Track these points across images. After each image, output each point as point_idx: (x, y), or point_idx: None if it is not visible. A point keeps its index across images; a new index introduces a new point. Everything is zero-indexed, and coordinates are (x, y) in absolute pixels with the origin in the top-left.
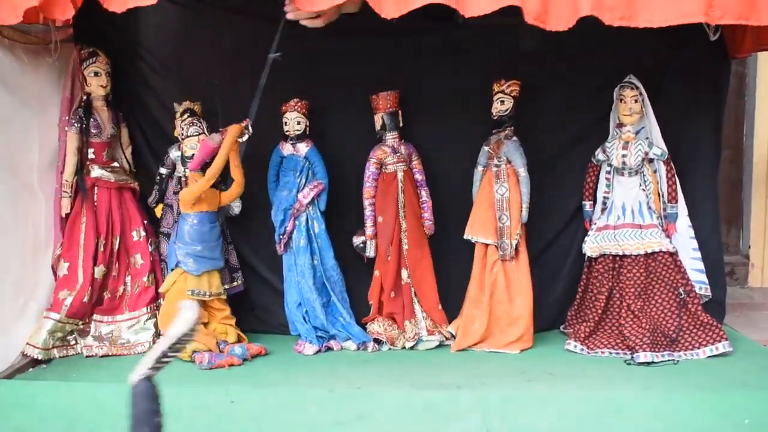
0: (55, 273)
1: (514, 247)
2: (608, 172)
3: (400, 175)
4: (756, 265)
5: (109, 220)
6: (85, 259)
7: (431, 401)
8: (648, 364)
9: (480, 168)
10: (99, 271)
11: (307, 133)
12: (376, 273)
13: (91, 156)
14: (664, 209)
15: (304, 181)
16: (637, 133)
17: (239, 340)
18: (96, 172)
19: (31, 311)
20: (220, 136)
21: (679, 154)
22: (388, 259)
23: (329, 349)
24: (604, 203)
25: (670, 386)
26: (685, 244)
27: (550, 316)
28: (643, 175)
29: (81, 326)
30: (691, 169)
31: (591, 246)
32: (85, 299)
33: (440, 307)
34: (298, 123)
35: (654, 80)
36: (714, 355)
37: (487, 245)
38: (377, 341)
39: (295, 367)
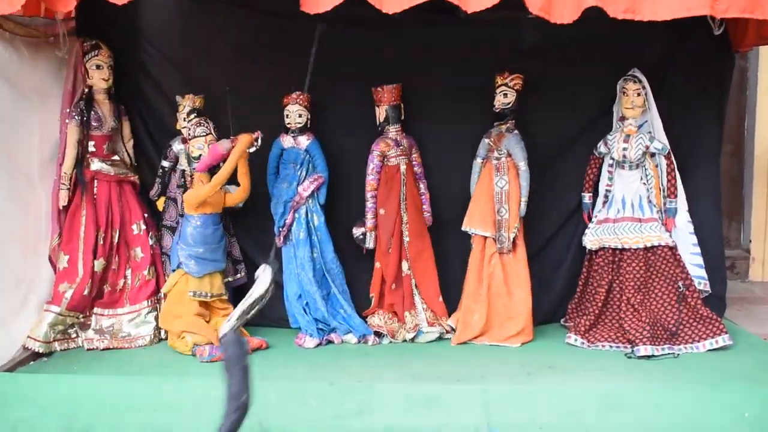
0: (53, 264)
1: (512, 240)
2: (610, 165)
3: (402, 168)
4: (757, 259)
5: (108, 213)
6: (85, 252)
7: (432, 394)
8: (648, 357)
9: (479, 160)
10: (99, 264)
11: (308, 126)
12: (377, 265)
13: (91, 149)
14: (664, 204)
15: (304, 174)
16: (640, 126)
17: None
18: (96, 165)
19: (32, 304)
20: (230, 144)
21: (681, 148)
22: (389, 252)
23: (330, 342)
24: (606, 196)
25: (670, 379)
26: (685, 239)
27: (551, 309)
28: (645, 169)
29: (82, 319)
30: (694, 164)
31: (591, 239)
32: (86, 292)
33: (441, 299)
34: (300, 116)
35: (657, 74)
36: (714, 349)
37: (485, 237)
38: (378, 334)
39: (296, 360)
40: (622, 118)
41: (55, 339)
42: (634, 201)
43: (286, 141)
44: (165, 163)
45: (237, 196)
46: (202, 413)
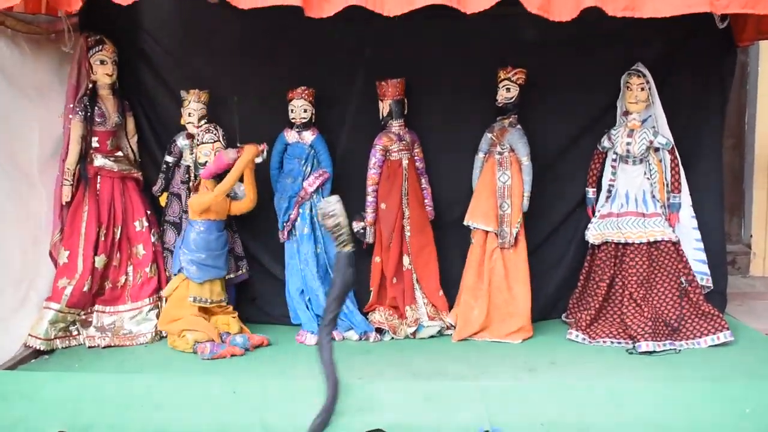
0: (53, 260)
1: (514, 235)
2: (614, 160)
3: (405, 162)
4: (758, 254)
5: (111, 209)
6: (86, 248)
7: (433, 391)
8: (650, 353)
9: (481, 154)
10: (99, 260)
11: (313, 121)
12: (377, 259)
13: (94, 145)
14: (668, 199)
15: (309, 169)
16: (643, 121)
17: (241, 332)
18: (99, 161)
19: (32, 302)
20: (236, 153)
21: (683, 143)
22: (389, 246)
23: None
24: (609, 191)
25: (671, 375)
26: (688, 234)
27: (552, 304)
28: (649, 164)
29: (83, 316)
30: (695, 159)
31: (594, 233)
32: (85, 288)
33: (441, 293)
34: (305, 111)
35: (660, 69)
36: (715, 345)
37: (486, 232)
38: (379, 331)
39: (297, 357)
40: (626, 113)
41: (56, 336)
42: (638, 196)
43: (291, 136)
44: (169, 159)
45: (242, 205)
46: (203, 411)
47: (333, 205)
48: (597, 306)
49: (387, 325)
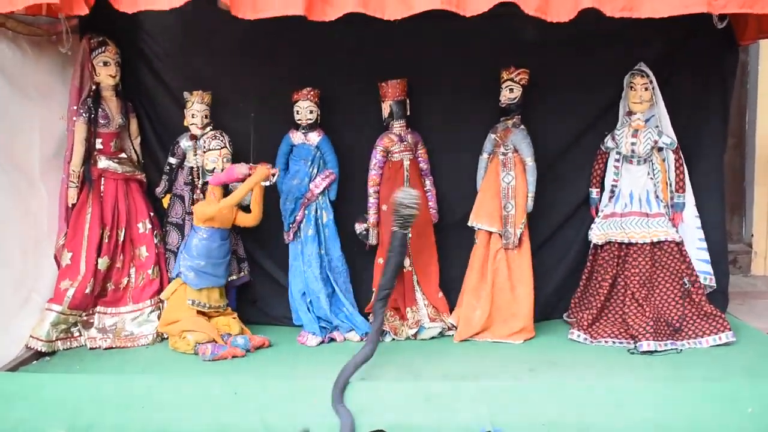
0: (58, 263)
1: (518, 236)
2: (617, 160)
3: (406, 163)
4: (759, 254)
5: (115, 211)
6: (89, 250)
7: (434, 391)
8: (651, 353)
9: (485, 155)
10: (103, 262)
11: (318, 122)
12: (379, 261)
13: (98, 146)
14: (672, 198)
15: (315, 170)
16: (646, 121)
17: (242, 333)
18: (103, 162)
19: (34, 303)
20: (248, 170)
21: (684, 143)
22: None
23: (332, 340)
24: (612, 191)
25: (673, 375)
26: (692, 234)
27: (553, 304)
28: (652, 164)
29: (85, 318)
30: (696, 159)
31: (597, 233)
32: (87, 290)
33: (441, 294)
34: (311, 112)
35: (661, 69)
36: (716, 345)
37: (490, 233)
38: (380, 332)
39: (298, 358)
40: (630, 113)
41: (58, 338)
42: (641, 196)
43: (296, 137)
44: (172, 160)
45: (247, 220)
46: (204, 412)
47: (414, 199)
48: (599, 306)
49: (388, 326)
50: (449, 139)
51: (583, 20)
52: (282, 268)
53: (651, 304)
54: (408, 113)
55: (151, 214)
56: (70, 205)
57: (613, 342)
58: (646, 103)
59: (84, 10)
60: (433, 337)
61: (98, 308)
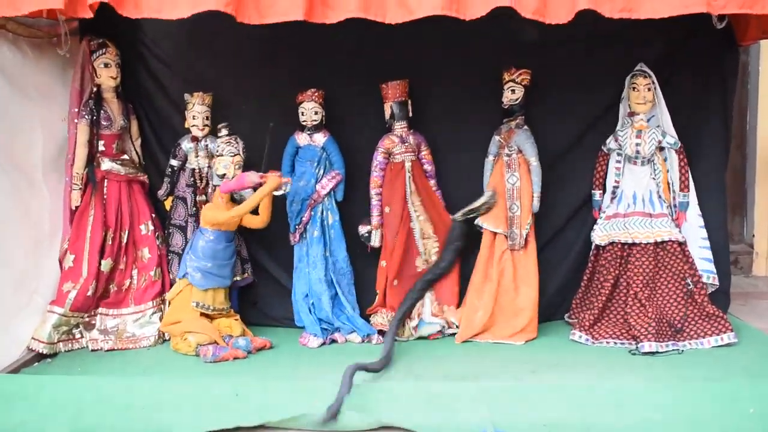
0: (61, 266)
1: (524, 236)
2: (618, 161)
3: (407, 165)
4: (760, 254)
5: (118, 213)
6: (91, 252)
7: (436, 392)
8: (653, 353)
9: (490, 157)
10: (106, 264)
11: (324, 123)
12: (383, 263)
13: (101, 148)
14: (674, 198)
15: (322, 171)
16: (647, 121)
17: (243, 334)
18: (106, 164)
19: (36, 305)
20: (258, 179)
21: (684, 143)
22: (393, 249)
23: (333, 341)
24: (614, 192)
25: (674, 375)
26: (695, 232)
27: (555, 305)
28: (654, 164)
29: (86, 319)
30: (696, 159)
31: (600, 234)
32: (89, 293)
33: (457, 289)
34: (316, 113)
35: (663, 68)
36: (718, 346)
37: (494, 234)
38: (381, 333)
39: (300, 359)
40: (632, 114)
41: (60, 340)
42: (644, 196)
43: (302, 139)
44: (174, 162)
45: (254, 222)
46: (205, 414)
47: (494, 200)
48: (600, 306)
49: (389, 328)
50: (450, 139)
51: (583, 20)
52: (284, 269)
53: (653, 305)
54: (410, 114)
55: (153, 215)
56: (73, 208)
57: (615, 343)
58: (649, 103)
59: (88, 14)
60: (432, 335)
61: (100, 310)
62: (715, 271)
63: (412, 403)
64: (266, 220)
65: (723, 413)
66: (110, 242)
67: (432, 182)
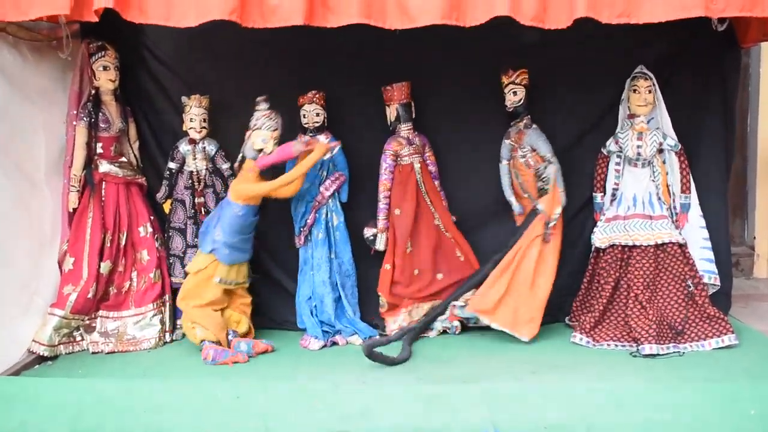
0: (61, 269)
1: (555, 219)
2: (617, 163)
3: (417, 166)
4: (761, 256)
5: (116, 215)
6: (91, 255)
7: (436, 394)
8: (653, 356)
9: (504, 162)
10: (105, 266)
11: (326, 125)
12: (386, 267)
13: (99, 150)
14: (674, 200)
15: (325, 173)
16: (647, 123)
17: (249, 332)
18: (104, 167)
19: (37, 307)
20: (304, 146)
21: (684, 144)
22: (407, 253)
23: (335, 344)
24: (614, 194)
25: (675, 377)
26: (696, 233)
27: (556, 307)
28: (653, 166)
29: (87, 322)
30: (696, 160)
31: (600, 237)
32: (90, 295)
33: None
34: (317, 115)
35: (663, 69)
36: (719, 348)
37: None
38: (381, 335)
39: (300, 361)
40: (632, 116)
41: (60, 342)
42: (645, 198)
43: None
44: (172, 165)
45: (286, 191)
46: (206, 416)
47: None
48: (601, 309)
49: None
50: (450, 139)
51: (583, 21)
52: (286, 272)
53: (654, 307)
54: (414, 116)
55: (152, 217)
56: (71, 210)
57: (616, 345)
58: (649, 105)
59: (94, 18)
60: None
61: (100, 312)
62: (716, 271)
63: (413, 404)
64: (299, 186)
65: (724, 415)
66: (108, 245)
67: (436, 183)
